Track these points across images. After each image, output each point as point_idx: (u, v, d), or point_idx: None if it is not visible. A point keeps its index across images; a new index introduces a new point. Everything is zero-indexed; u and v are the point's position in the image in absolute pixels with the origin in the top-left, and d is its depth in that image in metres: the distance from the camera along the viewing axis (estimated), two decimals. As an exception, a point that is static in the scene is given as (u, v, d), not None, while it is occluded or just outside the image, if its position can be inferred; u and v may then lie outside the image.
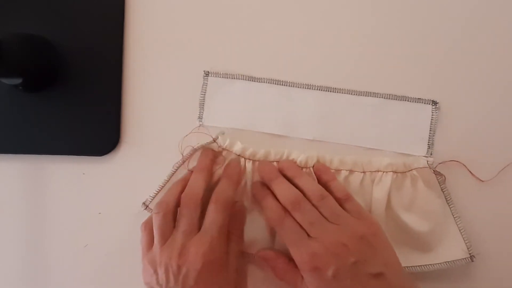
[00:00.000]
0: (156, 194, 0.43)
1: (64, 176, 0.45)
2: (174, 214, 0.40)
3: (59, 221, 0.45)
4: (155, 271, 0.37)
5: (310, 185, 0.39)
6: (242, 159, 0.43)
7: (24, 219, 0.46)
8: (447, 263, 0.42)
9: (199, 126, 0.44)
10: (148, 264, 0.38)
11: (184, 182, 0.41)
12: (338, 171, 0.42)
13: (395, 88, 0.44)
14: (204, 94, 0.44)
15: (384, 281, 0.35)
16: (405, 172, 0.42)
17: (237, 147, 0.43)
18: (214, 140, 0.43)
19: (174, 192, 0.41)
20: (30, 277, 0.46)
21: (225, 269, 0.38)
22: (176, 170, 0.43)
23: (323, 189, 0.39)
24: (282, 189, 0.39)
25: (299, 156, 0.42)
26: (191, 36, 0.45)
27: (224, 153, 0.43)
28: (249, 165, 0.43)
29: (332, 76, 0.44)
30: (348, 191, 0.40)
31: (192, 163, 0.43)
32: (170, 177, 0.43)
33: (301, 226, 0.37)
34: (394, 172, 0.42)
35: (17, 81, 0.43)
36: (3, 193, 0.46)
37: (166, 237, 0.38)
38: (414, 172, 0.42)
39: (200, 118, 0.44)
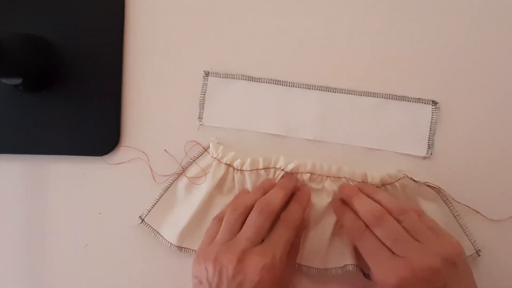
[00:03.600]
0: (152, 207, 0.44)
1: (64, 176, 0.45)
2: (246, 217, 0.38)
3: (59, 221, 0.45)
4: (207, 267, 0.36)
5: (389, 200, 0.37)
6: (241, 172, 0.42)
7: (24, 219, 0.46)
8: None
9: (199, 126, 0.45)
10: (203, 257, 0.36)
11: (264, 191, 0.40)
12: (336, 178, 0.42)
13: (395, 88, 0.43)
14: (204, 94, 0.44)
15: None
16: (393, 182, 0.42)
17: (228, 158, 0.42)
18: (205, 150, 0.43)
19: (253, 197, 0.40)
20: (30, 277, 0.46)
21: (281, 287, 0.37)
22: (172, 183, 0.44)
23: (403, 203, 0.37)
24: (364, 204, 0.38)
25: (288, 164, 0.42)
26: (191, 36, 0.45)
27: (214, 163, 0.43)
28: (237, 176, 0.42)
29: (332, 76, 0.44)
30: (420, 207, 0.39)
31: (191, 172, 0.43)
32: (165, 191, 0.44)
33: (382, 242, 0.35)
34: (383, 185, 0.42)
35: (17, 81, 0.43)
36: (3, 193, 0.46)
37: (231, 236, 0.37)
38: (403, 181, 0.41)
39: (200, 118, 0.44)
